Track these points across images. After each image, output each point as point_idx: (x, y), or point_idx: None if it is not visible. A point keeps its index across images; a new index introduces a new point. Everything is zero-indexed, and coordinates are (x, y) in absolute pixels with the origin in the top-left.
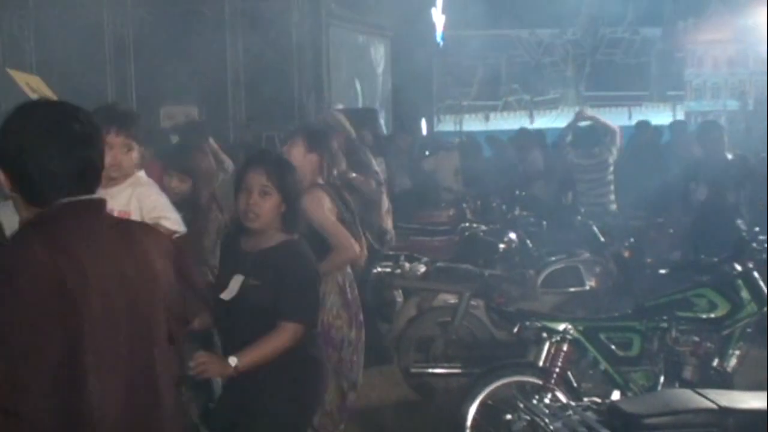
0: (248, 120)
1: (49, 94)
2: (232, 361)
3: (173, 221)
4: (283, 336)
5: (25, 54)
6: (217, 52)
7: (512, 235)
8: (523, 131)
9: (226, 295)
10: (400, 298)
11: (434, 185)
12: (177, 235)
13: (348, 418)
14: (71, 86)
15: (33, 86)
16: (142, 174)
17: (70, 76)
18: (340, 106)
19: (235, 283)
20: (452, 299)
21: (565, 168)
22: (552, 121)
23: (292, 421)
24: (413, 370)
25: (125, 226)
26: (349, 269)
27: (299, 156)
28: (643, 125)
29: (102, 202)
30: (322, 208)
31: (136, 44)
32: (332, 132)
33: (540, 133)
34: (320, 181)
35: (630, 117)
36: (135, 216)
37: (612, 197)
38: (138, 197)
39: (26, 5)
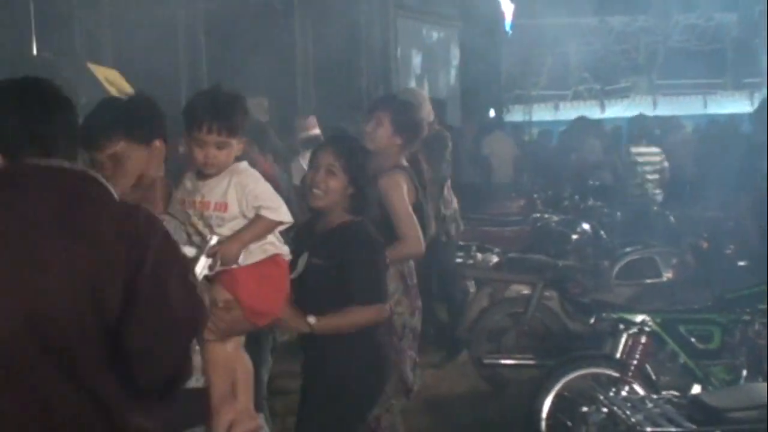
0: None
1: (126, 86)
2: (311, 319)
3: (277, 211)
4: (366, 312)
5: (102, 48)
6: (286, 44)
7: (585, 226)
8: (580, 120)
9: (293, 274)
10: (472, 289)
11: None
12: (283, 227)
13: (407, 400)
14: (146, 78)
15: (111, 79)
16: (241, 163)
17: (145, 69)
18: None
19: (301, 261)
20: (525, 290)
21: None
22: (623, 110)
23: (357, 403)
24: (485, 361)
25: (80, 201)
26: None
27: (385, 136)
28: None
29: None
30: (400, 192)
31: (208, 37)
32: (418, 111)
33: (597, 123)
34: (404, 163)
35: (705, 105)
36: (233, 207)
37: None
38: (237, 186)
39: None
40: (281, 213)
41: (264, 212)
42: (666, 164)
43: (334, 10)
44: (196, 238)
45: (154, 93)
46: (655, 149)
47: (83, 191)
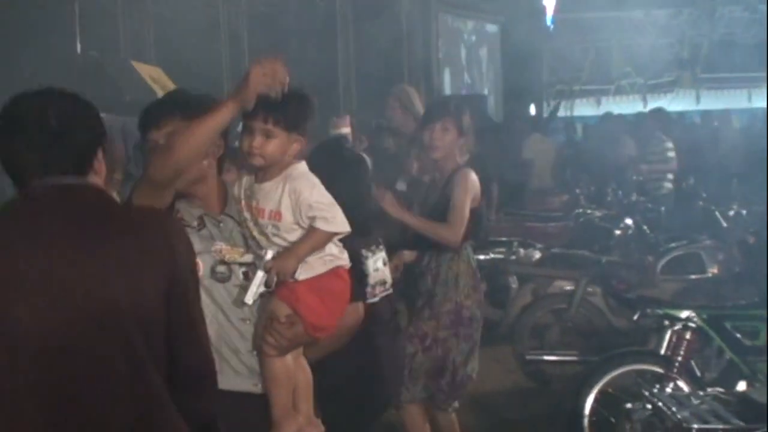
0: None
1: (170, 84)
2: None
3: (332, 222)
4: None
5: (146, 46)
6: (328, 41)
7: (628, 221)
8: (606, 116)
9: None
10: (514, 285)
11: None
12: (339, 236)
13: (462, 398)
14: (190, 76)
15: (155, 77)
16: (298, 165)
17: (189, 67)
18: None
19: None
20: (568, 286)
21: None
22: (667, 104)
23: (354, 408)
24: (528, 357)
25: (108, 218)
26: (471, 251)
27: (453, 141)
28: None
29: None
30: (466, 187)
31: (250, 34)
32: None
33: (622, 118)
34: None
35: (750, 99)
36: (288, 217)
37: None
38: (291, 194)
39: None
40: (337, 223)
41: (318, 223)
42: (672, 155)
43: (375, 6)
44: (253, 243)
45: (197, 91)
46: (669, 144)
47: (102, 203)
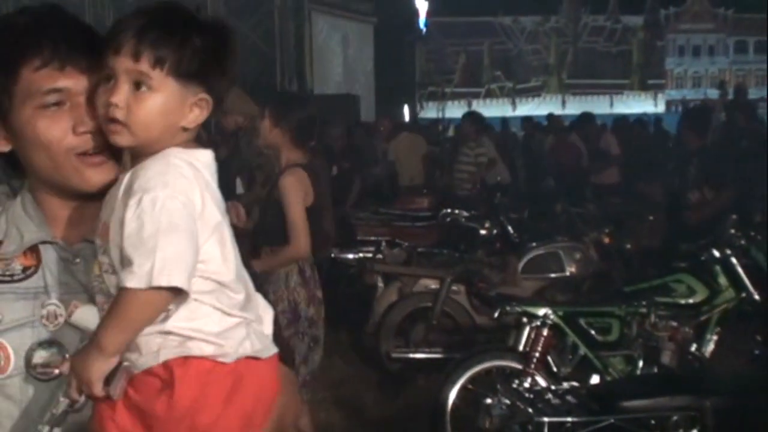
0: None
1: None
2: None
3: (141, 273)
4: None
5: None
6: None
7: (493, 222)
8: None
9: None
10: (380, 284)
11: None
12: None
13: (307, 393)
14: None
15: None
16: (188, 150)
17: None
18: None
19: None
20: (433, 284)
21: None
22: (534, 108)
23: None
24: (394, 355)
25: None
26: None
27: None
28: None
29: None
30: (299, 192)
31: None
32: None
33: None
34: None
35: (612, 105)
36: (115, 238)
37: None
38: (124, 196)
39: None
40: (154, 274)
41: (125, 277)
42: (484, 160)
43: (248, 3)
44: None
45: None
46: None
47: None
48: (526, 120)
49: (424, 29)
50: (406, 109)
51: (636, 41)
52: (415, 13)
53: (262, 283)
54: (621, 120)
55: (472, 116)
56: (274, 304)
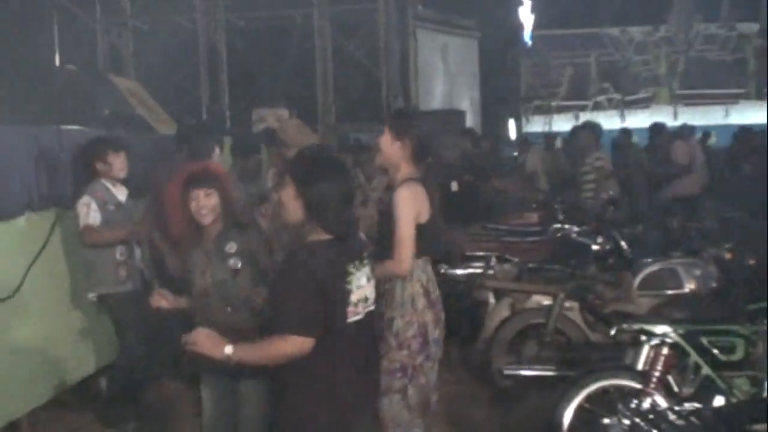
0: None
1: (147, 98)
2: (228, 349)
3: None
4: (279, 344)
5: (124, 61)
6: (306, 55)
7: (606, 237)
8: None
9: None
10: (492, 300)
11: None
12: None
13: (431, 415)
14: (168, 91)
15: (133, 91)
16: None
17: (167, 81)
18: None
19: None
20: (545, 300)
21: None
22: (644, 120)
23: None
24: (506, 372)
25: None
26: (429, 267)
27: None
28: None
29: None
30: (409, 210)
31: (229, 48)
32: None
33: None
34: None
35: (726, 115)
36: None
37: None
38: None
39: (125, 16)
40: None
41: None
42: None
43: (353, 21)
44: None
45: (176, 104)
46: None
47: None
48: (653, 128)
49: (530, 42)
50: (511, 123)
51: (751, 48)
52: (520, 27)
53: (378, 307)
54: (745, 131)
55: (588, 127)
56: (403, 329)
